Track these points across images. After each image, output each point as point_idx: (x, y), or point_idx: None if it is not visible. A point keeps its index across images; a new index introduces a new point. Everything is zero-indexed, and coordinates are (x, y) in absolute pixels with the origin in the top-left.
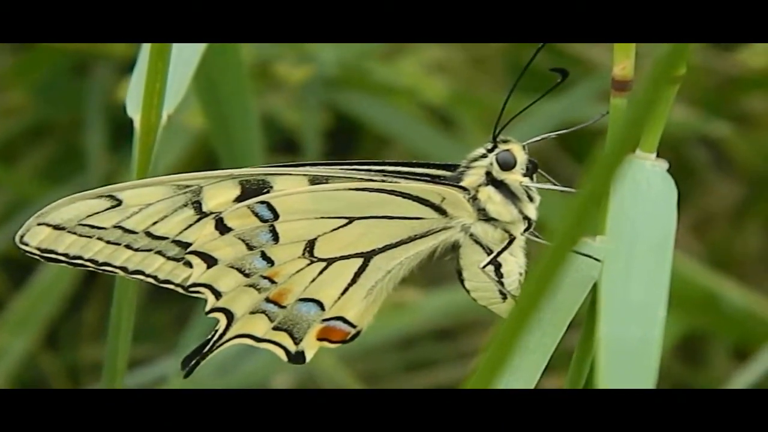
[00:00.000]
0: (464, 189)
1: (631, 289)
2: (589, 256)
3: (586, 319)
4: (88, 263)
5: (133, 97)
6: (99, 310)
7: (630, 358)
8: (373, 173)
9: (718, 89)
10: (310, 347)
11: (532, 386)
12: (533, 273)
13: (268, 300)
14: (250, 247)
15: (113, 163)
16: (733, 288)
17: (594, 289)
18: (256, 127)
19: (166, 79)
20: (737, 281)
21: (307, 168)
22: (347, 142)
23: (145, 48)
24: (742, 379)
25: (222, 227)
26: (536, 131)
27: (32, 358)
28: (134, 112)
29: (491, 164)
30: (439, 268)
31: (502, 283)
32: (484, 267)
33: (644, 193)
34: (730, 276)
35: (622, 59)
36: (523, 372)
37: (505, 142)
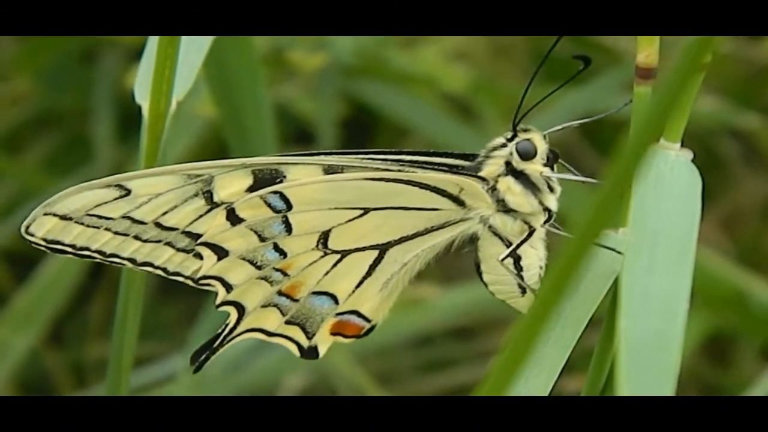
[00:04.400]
0: (483, 179)
1: (653, 282)
2: (611, 249)
3: (607, 313)
4: (95, 255)
5: (142, 84)
6: (104, 307)
7: (651, 351)
8: (389, 163)
9: (747, 80)
10: (324, 342)
11: (552, 381)
12: (554, 266)
13: (280, 293)
14: (262, 239)
15: (121, 153)
16: (763, 286)
17: (616, 283)
18: (269, 115)
19: (175, 65)
20: (767, 279)
21: (322, 157)
22: (363, 133)
23: None
24: None
25: (234, 218)
26: (558, 121)
27: (36, 355)
28: (143, 99)
29: (511, 154)
30: (456, 264)
31: (521, 277)
32: (503, 260)
33: (668, 183)
34: (759, 274)
35: (646, 47)
36: (544, 366)
37: (525, 131)
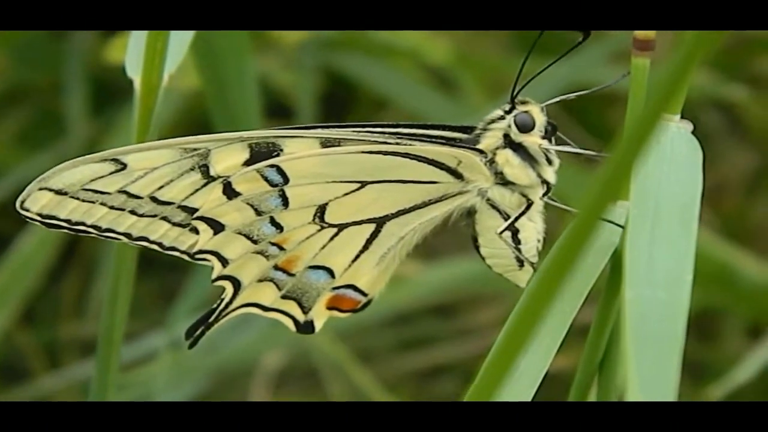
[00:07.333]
0: (481, 152)
1: (656, 254)
2: (612, 222)
3: (605, 286)
4: (90, 229)
5: (133, 58)
6: (77, 286)
7: (657, 322)
8: (387, 136)
9: (732, 51)
10: (320, 316)
11: (551, 356)
12: (560, 241)
13: (276, 267)
14: (258, 213)
15: (94, 127)
16: (749, 261)
17: (614, 256)
18: (254, 88)
19: (167, 38)
20: (753, 254)
21: (319, 130)
22: (341, 106)
23: None
24: (757, 356)
25: (230, 192)
26: (543, 93)
27: (9, 334)
28: (134, 73)
29: (509, 126)
30: (437, 241)
31: (519, 250)
32: (502, 233)
33: (669, 155)
34: (745, 248)
35: None
36: (542, 342)
37: (523, 103)
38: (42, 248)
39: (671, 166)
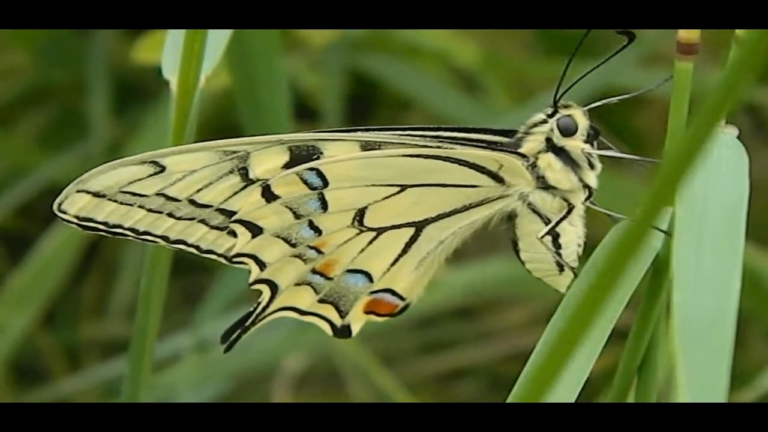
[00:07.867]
0: (523, 156)
1: (703, 259)
2: (657, 228)
3: (646, 291)
4: (128, 232)
5: (169, 59)
6: (98, 288)
7: (705, 326)
8: (427, 139)
9: None
10: (357, 320)
11: (593, 360)
12: (604, 254)
13: (314, 271)
14: (297, 216)
15: (117, 128)
16: None
17: (656, 261)
18: (284, 88)
19: (205, 39)
20: None
21: (359, 134)
22: (365, 107)
23: None
24: None
25: (269, 195)
26: (573, 97)
27: (30, 336)
28: (170, 74)
29: (551, 130)
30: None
31: (559, 254)
32: (542, 237)
33: (716, 161)
34: None
35: None
36: (586, 346)
37: (566, 107)
38: (63, 250)
39: (718, 171)
